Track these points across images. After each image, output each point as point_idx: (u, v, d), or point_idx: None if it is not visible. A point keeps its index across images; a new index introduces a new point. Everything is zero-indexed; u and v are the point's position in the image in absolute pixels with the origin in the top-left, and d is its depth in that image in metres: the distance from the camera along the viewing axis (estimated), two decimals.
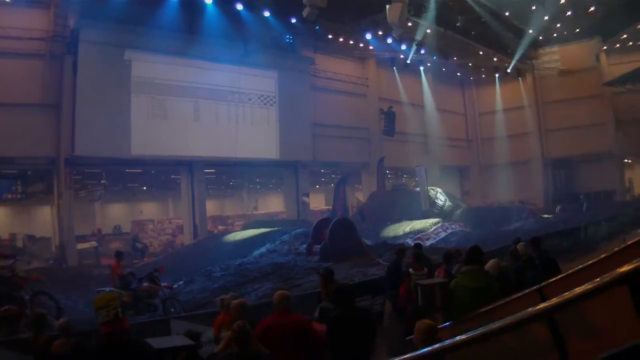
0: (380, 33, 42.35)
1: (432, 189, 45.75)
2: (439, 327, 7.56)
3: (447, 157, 55.46)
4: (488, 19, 41.62)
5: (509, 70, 51.00)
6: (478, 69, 55.10)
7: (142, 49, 35.14)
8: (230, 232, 40.13)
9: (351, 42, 45.40)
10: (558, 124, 53.14)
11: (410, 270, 13.23)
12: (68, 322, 8.14)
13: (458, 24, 41.32)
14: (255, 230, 36.46)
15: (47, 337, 8.62)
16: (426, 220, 38.07)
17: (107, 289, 17.78)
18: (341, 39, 44.22)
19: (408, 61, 48.48)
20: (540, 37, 50.90)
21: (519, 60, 50.55)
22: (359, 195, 53.96)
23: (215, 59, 37.52)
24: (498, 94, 57.21)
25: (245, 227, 41.38)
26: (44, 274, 23.10)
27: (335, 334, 8.26)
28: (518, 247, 13.07)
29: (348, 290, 9.06)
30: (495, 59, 50.54)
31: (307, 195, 45.82)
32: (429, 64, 51.79)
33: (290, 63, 43.02)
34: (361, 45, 46.37)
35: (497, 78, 54.98)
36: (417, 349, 5.82)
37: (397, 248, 15.54)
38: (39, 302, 16.25)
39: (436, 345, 5.24)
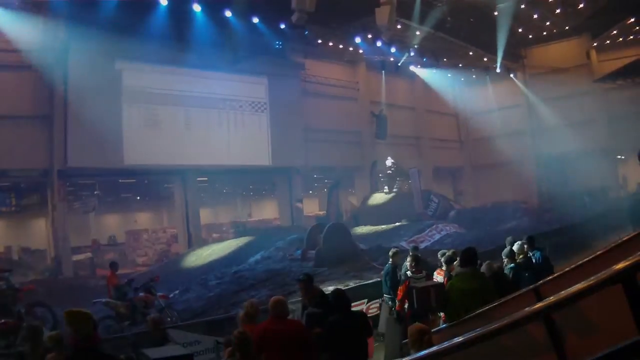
0: (369, 36, 42.41)
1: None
2: (434, 329, 7.57)
3: (440, 159, 55.61)
4: (477, 20, 41.75)
5: (498, 70, 51.06)
6: (468, 69, 55.21)
7: (133, 59, 35.15)
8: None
9: (341, 46, 45.43)
10: (550, 122, 53.16)
11: (409, 273, 13.25)
12: (60, 334, 8.10)
13: (447, 25, 41.33)
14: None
15: (44, 350, 8.58)
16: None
17: (103, 300, 17.81)
18: (331, 44, 44.28)
19: (399, 64, 48.66)
20: (530, 36, 51.03)
21: (510, 60, 50.71)
22: (352, 200, 54.01)
23: (206, 66, 37.53)
24: (489, 94, 57.22)
25: (239, 235, 41.35)
26: (39, 286, 23.16)
27: (332, 338, 8.28)
28: (514, 247, 13.11)
29: (344, 295, 9.10)
30: (485, 59, 50.60)
31: (301, 200, 45.79)
32: (419, 66, 51.83)
33: (280, 69, 42.94)
34: (351, 49, 46.39)
35: (487, 78, 55.05)
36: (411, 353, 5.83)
37: (393, 251, 15.54)
38: (35, 313, 16.22)
39: (434, 348, 5.24)
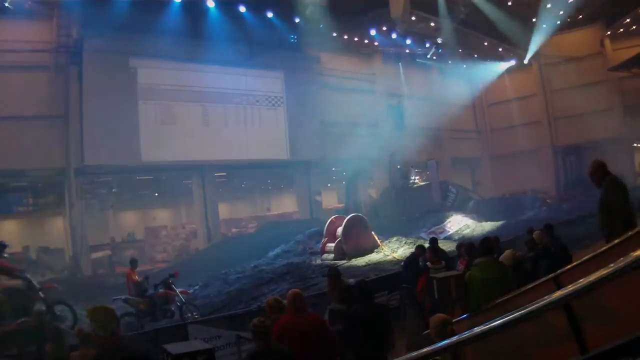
0: (384, 29, 42.44)
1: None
2: (455, 320, 7.56)
3: (458, 149, 55.42)
4: (491, 10, 41.59)
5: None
6: (484, 60, 55.07)
7: (147, 56, 35.20)
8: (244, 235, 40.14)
9: (356, 38, 45.49)
10: (566, 112, 53.05)
11: (428, 264, 13.26)
12: (88, 331, 8.08)
13: (462, 16, 41.27)
14: None
15: (67, 349, 8.63)
16: None
17: (123, 297, 17.86)
18: (346, 36, 44.29)
19: (417, 60, 48.86)
20: (544, 25, 50.86)
21: (524, 49, 50.59)
22: (371, 192, 53.96)
23: (221, 62, 37.48)
24: (505, 85, 57.11)
25: (258, 229, 41.39)
26: (59, 284, 23.18)
27: (354, 328, 8.30)
28: (534, 235, 13.08)
29: (367, 286, 9.12)
30: (500, 49, 50.53)
31: (319, 193, 45.79)
32: (435, 57, 51.66)
33: (296, 63, 42.90)
34: (366, 41, 46.49)
35: (503, 68, 55.02)
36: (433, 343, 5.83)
37: (418, 245, 15.63)
38: (55, 312, 16.24)
39: (454, 338, 5.23)
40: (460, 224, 35.95)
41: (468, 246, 13.61)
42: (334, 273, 10.93)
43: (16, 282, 16.25)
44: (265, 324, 6.77)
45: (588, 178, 9.41)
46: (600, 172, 9.07)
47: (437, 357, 5.22)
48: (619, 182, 8.99)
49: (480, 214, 38.95)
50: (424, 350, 5.09)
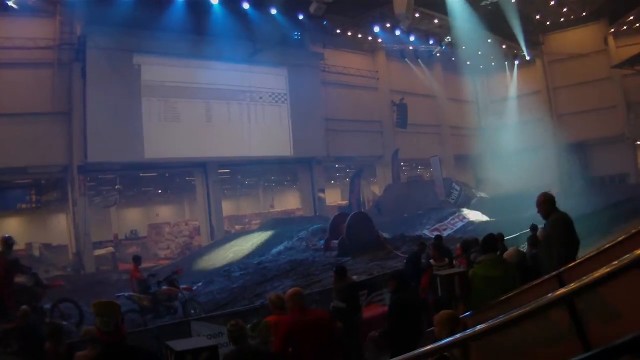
0: (388, 25, 42.39)
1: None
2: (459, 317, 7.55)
3: (461, 146, 55.35)
4: (495, 7, 41.53)
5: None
6: (487, 56, 55.01)
7: (151, 53, 35.20)
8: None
9: (359, 35, 45.58)
10: (569, 109, 53.04)
11: (432, 261, 13.26)
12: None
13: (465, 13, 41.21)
14: None
15: (66, 347, 8.60)
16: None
17: (126, 294, 17.84)
18: (349, 33, 44.45)
19: (418, 59, 48.93)
20: (548, 22, 50.81)
21: (528, 46, 50.51)
22: (374, 189, 53.93)
23: (225, 58, 37.51)
24: (508, 81, 56.98)
25: (261, 226, 41.37)
26: (62, 281, 23.21)
27: (396, 316, 8.43)
28: (537, 233, 13.07)
29: (403, 277, 9.23)
30: (503, 46, 50.47)
31: (323, 190, 45.76)
32: (438, 54, 51.67)
33: (299, 59, 42.92)
34: (370, 38, 46.61)
35: (506, 65, 54.93)
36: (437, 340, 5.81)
37: (419, 242, 15.64)
38: (61, 310, 16.21)
39: (457, 335, 5.22)
40: (464, 221, 35.90)
41: (467, 243, 13.58)
42: (340, 269, 10.96)
43: (22, 279, 16.23)
44: (240, 325, 6.77)
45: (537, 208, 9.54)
46: (547, 206, 9.20)
47: (445, 353, 5.22)
48: (562, 221, 9.15)
49: (484, 211, 38.87)
50: (429, 346, 5.09)
